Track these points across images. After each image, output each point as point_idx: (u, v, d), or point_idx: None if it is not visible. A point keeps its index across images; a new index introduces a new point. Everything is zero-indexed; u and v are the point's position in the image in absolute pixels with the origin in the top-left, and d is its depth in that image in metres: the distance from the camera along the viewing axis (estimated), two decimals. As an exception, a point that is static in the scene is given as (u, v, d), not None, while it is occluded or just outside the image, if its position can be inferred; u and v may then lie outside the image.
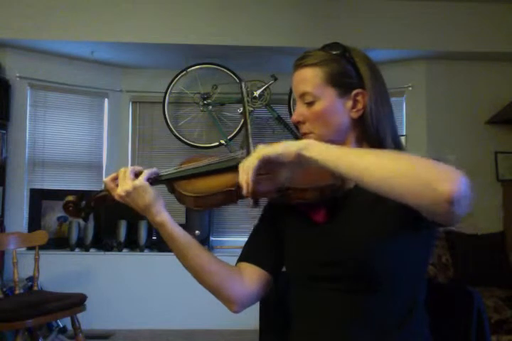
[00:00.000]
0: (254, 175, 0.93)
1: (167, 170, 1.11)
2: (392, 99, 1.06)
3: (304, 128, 1.08)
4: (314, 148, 0.91)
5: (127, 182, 1.04)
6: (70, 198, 1.14)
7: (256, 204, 1.00)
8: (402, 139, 4.02)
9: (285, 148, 0.93)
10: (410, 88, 4.07)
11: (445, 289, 1.16)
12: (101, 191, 1.14)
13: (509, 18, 3.81)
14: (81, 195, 1.16)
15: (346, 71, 1.05)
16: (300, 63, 1.07)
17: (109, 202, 1.11)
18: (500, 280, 3.34)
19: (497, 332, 2.93)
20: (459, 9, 3.79)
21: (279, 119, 4.05)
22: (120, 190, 1.04)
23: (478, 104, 4.01)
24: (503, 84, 4.01)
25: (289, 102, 4.02)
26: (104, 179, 1.09)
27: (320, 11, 3.76)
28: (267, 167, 0.95)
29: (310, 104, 1.05)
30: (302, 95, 1.06)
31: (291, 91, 4.00)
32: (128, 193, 1.03)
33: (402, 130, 4.12)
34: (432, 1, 3.76)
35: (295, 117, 1.08)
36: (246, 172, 0.93)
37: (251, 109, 3.97)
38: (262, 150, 0.94)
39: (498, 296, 3.08)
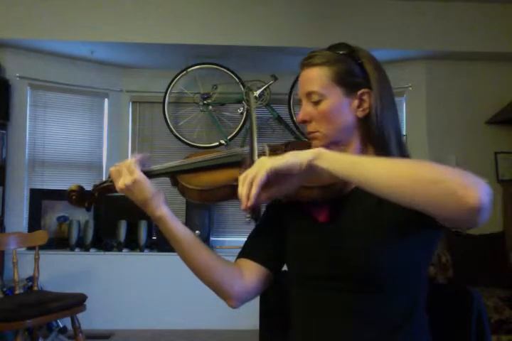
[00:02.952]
0: (259, 189, 0.87)
1: (171, 163, 1.11)
2: (392, 99, 1.09)
3: (310, 127, 1.08)
4: (327, 158, 0.88)
5: (126, 176, 1.04)
6: (74, 187, 1.14)
7: (254, 218, 0.93)
8: (402, 139, 4.02)
9: (296, 158, 0.88)
10: (410, 88, 4.07)
11: (445, 289, 1.16)
12: (105, 181, 1.14)
13: (509, 18, 3.81)
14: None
15: (353, 70, 1.05)
16: (307, 63, 1.07)
17: (113, 192, 1.11)
18: (500, 280, 3.34)
19: (497, 332, 2.94)
20: (459, 9, 3.79)
21: (279, 119, 4.05)
22: (120, 183, 1.05)
23: (478, 104, 4.01)
24: (503, 84, 4.01)
25: (289, 102, 4.02)
26: (111, 168, 1.08)
27: (320, 10, 3.76)
28: (273, 179, 0.89)
29: (316, 103, 1.05)
30: (309, 94, 1.06)
31: (291, 91, 4.00)
32: (127, 186, 1.04)
33: (402, 130, 4.12)
34: (432, 1, 3.76)
35: (301, 116, 1.07)
36: (249, 186, 0.88)
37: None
38: (270, 162, 0.88)
39: (498, 296, 3.08)
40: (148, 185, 1.04)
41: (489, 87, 4.02)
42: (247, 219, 0.91)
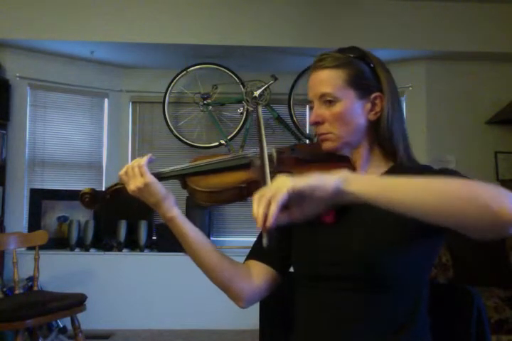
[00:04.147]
0: (279, 208, 0.80)
1: (180, 166, 1.13)
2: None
3: (322, 129, 1.08)
4: (354, 181, 0.84)
5: (137, 179, 1.08)
6: (87, 190, 1.17)
7: (271, 240, 0.83)
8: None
9: (321, 181, 0.84)
10: (410, 88, 4.07)
11: (445, 289, 1.16)
12: (116, 184, 1.16)
13: (509, 18, 3.81)
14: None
15: (366, 74, 1.07)
16: (320, 65, 1.07)
17: (125, 195, 1.14)
18: (500, 280, 3.34)
19: (497, 332, 2.93)
20: (459, 9, 3.79)
21: (279, 119, 4.04)
22: (132, 186, 1.08)
23: (478, 104, 4.01)
24: (503, 84, 4.01)
25: (289, 102, 4.02)
26: (120, 172, 1.11)
27: (320, 11, 3.75)
28: (293, 200, 0.84)
29: (330, 105, 1.06)
30: (322, 96, 1.07)
31: (291, 92, 4.00)
32: (139, 189, 1.08)
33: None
34: (432, 1, 3.76)
35: (313, 118, 1.08)
36: (267, 204, 0.81)
37: (251, 108, 3.97)
38: (292, 181, 0.83)
39: (498, 296, 3.08)
40: (159, 188, 1.08)
41: (489, 87, 4.01)
42: (264, 245, 0.82)
